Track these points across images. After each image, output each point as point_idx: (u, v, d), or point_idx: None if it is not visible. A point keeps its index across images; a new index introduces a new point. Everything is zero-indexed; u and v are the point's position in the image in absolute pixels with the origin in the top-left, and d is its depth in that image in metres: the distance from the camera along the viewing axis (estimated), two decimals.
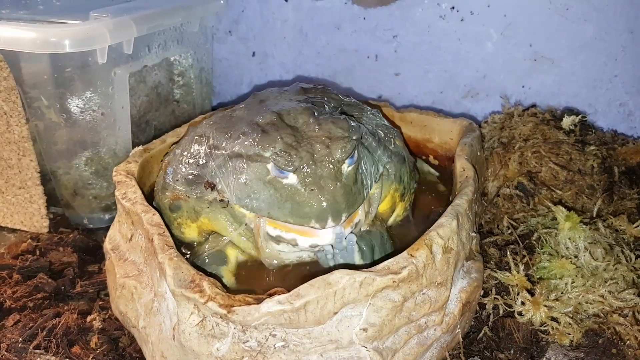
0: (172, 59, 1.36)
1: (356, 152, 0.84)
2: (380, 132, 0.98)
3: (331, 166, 0.81)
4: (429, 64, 1.49)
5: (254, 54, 1.63)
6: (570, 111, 1.36)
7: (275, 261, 0.86)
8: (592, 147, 1.22)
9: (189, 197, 0.88)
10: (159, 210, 0.91)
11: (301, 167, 0.80)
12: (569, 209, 1.05)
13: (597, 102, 1.42)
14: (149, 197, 0.91)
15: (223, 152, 0.87)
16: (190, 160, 0.89)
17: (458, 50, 1.45)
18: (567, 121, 1.27)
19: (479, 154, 1.11)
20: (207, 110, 1.51)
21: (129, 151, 1.16)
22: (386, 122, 1.03)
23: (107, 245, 0.93)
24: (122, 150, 1.21)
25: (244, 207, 0.84)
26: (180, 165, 0.90)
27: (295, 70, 1.60)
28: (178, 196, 0.88)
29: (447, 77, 1.49)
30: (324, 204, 0.79)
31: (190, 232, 0.91)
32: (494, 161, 1.22)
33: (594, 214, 1.08)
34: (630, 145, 1.29)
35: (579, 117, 1.27)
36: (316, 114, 0.89)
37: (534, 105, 1.43)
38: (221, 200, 0.85)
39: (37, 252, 1.10)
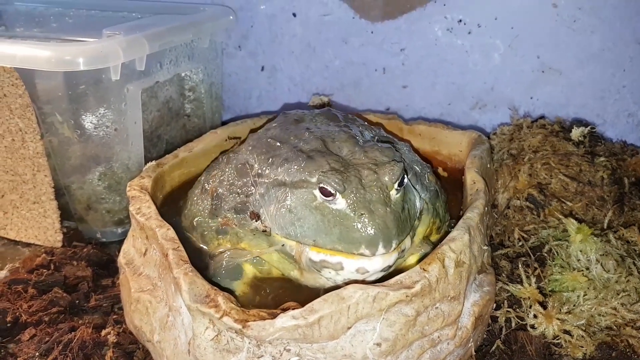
0: (183, 74, 1.38)
1: (405, 178, 0.83)
2: (416, 167, 0.97)
3: (380, 191, 0.80)
4: (437, 76, 1.50)
5: (262, 69, 1.64)
6: (579, 122, 1.36)
7: (317, 285, 0.85)
8: (602, 158, 1.22)
9: (235, 224, 0.89)
10: (195, 228, 0.95)
11: (349, 190, 0.79)
12: (579, 220, 1.05)
13: (605, 113, 1.42)
14: (162, 211, 0.92)
15: (266, 180, 0.87)
16: (239, 191, 0.91)
17: (465, 62, 1.46)
18: (576, 132, 1.27)
19: (488, 166, 1.11)
20: (217, 124, 1.52)
21: (141, 166, 1.18)
22: (419, 158, 1.03)
23: (121, 259, 0.94)
24: (135, 165, 1.22)
25: (287, 236, 0.83)
26: (230, 195, 0.91)
27: (304, 83, 1.62)
28: (227, 223, 0.90)
29: (455, 89, 1.50)
30: (375, 229, 0.77)
31: None
32: (503, 173, 1.22)
33: (605, 225, 1.08)
34: None
35: (588, 128, 1.27)
36: (360, 142, 0.90)
37: (542, 117, 1.43)
38: (264, 231, 0.86)
39: (52, 267, 1.11)
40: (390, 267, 0.81)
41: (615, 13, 1.32)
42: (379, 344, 0.72)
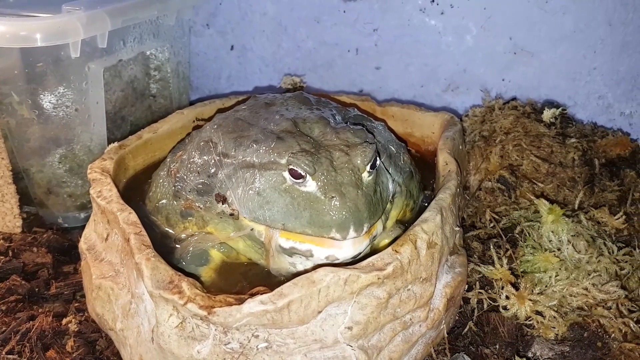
0: (148, 52, 1.33)
1: (377, 160, 0.81)
2: (391, 147, 0.94)
3: (351, 173, 0.77)
4: (410, 57, 1.48)
5: (232, 48, 1.60)
6: (551, 104, 1.36)
7: (284, 273, 0.83)
8: (573, 140, 1.22)
9: (200, 207, 0.86)
10: (160, 211, 0.91)
11: (320, 172, 0.76)
12: (550, 201, 1.05)
13: (576, 95, 1.42)
14: (125, 194, 0.89)
15: (233, 161, 0.84)
16: (199, 170, 0.87)
17: (438, 44, 1.44)
18: (547, 114, 1.27)
19: (460, 147, 1.10)
20: (185, 105, 1.47)
21: (104, 148, 1.13)
22: (394, 137, 1.00)
23: (82, 245, 0.90)
24: (97, 147, 1.17)
25: (255, 220, 0.80)
26: (190, 175, 0.88)
27: (275, 64, 1.58)
28: (190, 205, 0.87)
29: (428, 70, 1.48)
30: (346, 212, 0.74)
31: None
32: (475, 155, 1.21)
33: (576, 206, 1.09)
34: (610, 138, 1.30)
35: (559, 109, 1.28)
36: (332, 123, 0.87)
37: (514, 99, 1.43)
38: (231, 214, 0.83)
39: (10, 253, 1.06)
40: (360, 254, 0.79)
41: None
42: (350, 328, 0.70)
